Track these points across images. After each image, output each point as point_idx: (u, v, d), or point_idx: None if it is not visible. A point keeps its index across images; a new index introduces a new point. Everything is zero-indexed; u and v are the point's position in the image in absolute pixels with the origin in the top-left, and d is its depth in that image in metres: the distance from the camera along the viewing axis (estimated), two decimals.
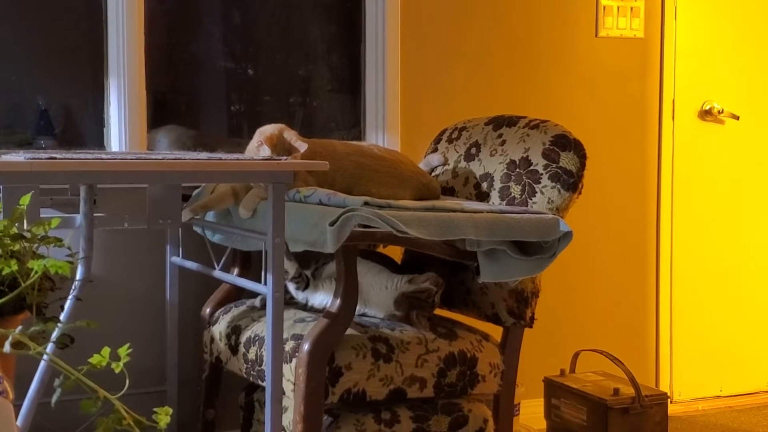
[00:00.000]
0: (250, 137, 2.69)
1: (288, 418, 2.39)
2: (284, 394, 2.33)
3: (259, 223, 2.42)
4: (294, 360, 2.34)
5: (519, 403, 3.21)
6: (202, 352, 2.90)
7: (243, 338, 2.62)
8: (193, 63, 3.38)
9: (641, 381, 3.25)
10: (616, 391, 3.09)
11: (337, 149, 2.71)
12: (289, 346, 2.38)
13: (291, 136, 2.57)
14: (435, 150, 3.10)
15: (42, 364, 2.46)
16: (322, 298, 2.61)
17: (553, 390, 3.29)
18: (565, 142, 2.64)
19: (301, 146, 2.54)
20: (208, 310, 2.90)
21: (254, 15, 3.41)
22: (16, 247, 1.71)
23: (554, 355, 3.50)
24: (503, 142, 2.80)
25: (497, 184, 2.75)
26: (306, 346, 2.31)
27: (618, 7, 3.74)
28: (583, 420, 3.13)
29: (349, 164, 2.68)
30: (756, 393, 4.13)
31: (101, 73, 3.10)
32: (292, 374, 2.34)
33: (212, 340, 2.81)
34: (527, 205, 2.63)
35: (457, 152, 2.97)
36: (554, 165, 2.62)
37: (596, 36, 3.73)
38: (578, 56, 3.70)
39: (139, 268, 3.04)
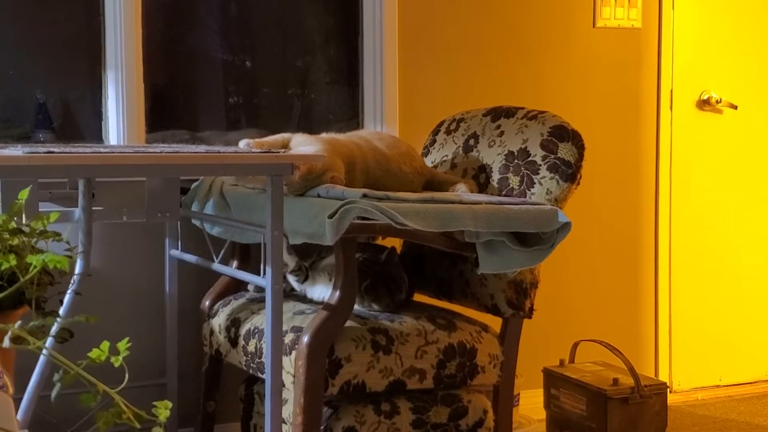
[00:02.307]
0: (248, 129, 2.70)
1: (288, 410, 2.39)
2: (284, 386, 2.34)
3: (258, 215, 2.42)
4: (294, 352, 2.34)
5: (518, 394, 3.22)
6: (201, 344, 2.90)
7: (242, 331, 2.62)
8: (191, 55, 3.37)
9: (640, 371, 3.26)
10: (616, 381, 3.10)
11: (358, 150, 2.70)
12: (288, 339, 2.38)
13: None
14: (434, 141, 3.10)
15: (41, 358, 2.46)
16: (320, 291, 2.61)
17: (553, 380, 3.30)
18: (563, 133, 2.64)
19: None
20: (207, 302, 2.91)
21: (252, 7, 3.41)
22: (15, 241, 1.71)
23: (553, 345, 3.50)
24: (501, 134, 2.80)
25: (495, 175, 2.75)
26: (305, 339, 2.31)
27: None
28: (583, 410, 3.14)
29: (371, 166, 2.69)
30: (755, 382, 4.14)
31: (99, 66, 3.10)
32: (291, 366, 2.34)
33: (212, 332, 2.81)
34: (526, 196, 2.63)
35: (456, 144, 2.97)
36: (552, 156, 2.62)
37: (594, 26, 3.73)
38: (576, 47, 3.70)
39: (138, 261, 3.04)
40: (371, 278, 2.55)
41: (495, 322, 2.66)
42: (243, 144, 2.57)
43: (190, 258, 2.80)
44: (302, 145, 2.58)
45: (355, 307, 2.45)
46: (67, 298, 2.48)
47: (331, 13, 3.56)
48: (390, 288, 2.61)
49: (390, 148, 2.74)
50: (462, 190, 2.70)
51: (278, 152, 2.35)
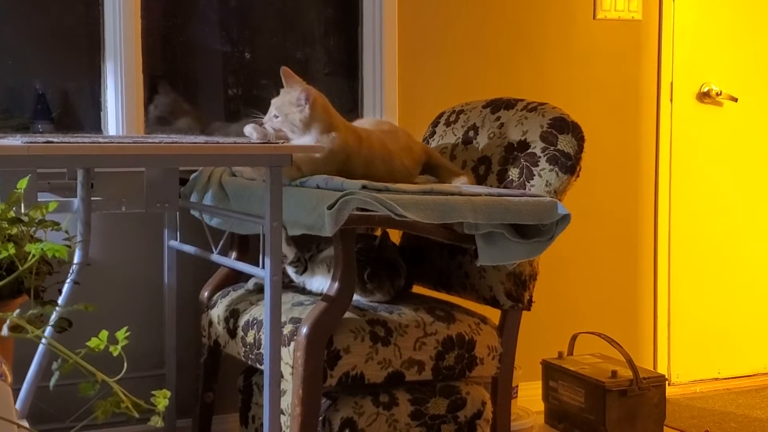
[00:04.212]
0: (247, 121, 2.70)
1: (286, 401, 2.39)
2: (283, 377, 2.34)
3: (257, 206, 2.42)
4: (292, 343, 2.34)
5: (517, 386, 3.22)
6: (200, 335, 2.90)
7: (241, 322, 2.62)
8: (190, 46, 3.37)
9: (639, 363, 3.26)
10: (614, 374, 3.10)
11: (380, 151, 2.69)
12: (287, 330, 2.38)
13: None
14: (433, 133, 3.09)
15: (40, 347, 2.46)
16: (319, 282, 2.61)
17: (551, 372, 3.30)
18: (563, 125, 2.64)
19: None
20: (206, 293, 2.90)
21: None
22: (14, 230, 1.71)
23: (552, 337, 3.50)
24: (501, 125, 2.80)
25: (495, 167, 2.74)
26: (304, 330, 2.31)
27: None
28: (581, 402, 3.14)
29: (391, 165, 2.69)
30: (754, 375, 4.14)
31: (98, 57, 3.09)
32: (290, 357, 2.34)
33: (210, 323, 2.81)
34: (525, 188, 2.63)
35: (455, 135, 2.96)
36: (552, 148, 2.62)
37: (594, 18, 3.72)
38: (576, 38, 3.70)
39: (137, 251, 3.04)
40: (371, 266, 2.55)
41: (494, 314, 2.66)
42: (248, 129, 2.58)
43: (189, 249, 2.80)
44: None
45: (355, 297, 2.45)
46: (65, 288, 2.48)
47: (331, 4, 3.56)
48: (390, 274, 2.61)
49: (392, 142, 2.73)
50: (462, 182, 2.69)
51: (277, 143, 2.35)
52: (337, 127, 2.57)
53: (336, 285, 2.35)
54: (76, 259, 2.55)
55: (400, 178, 2.65)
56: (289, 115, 2.55)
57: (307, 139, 2.55)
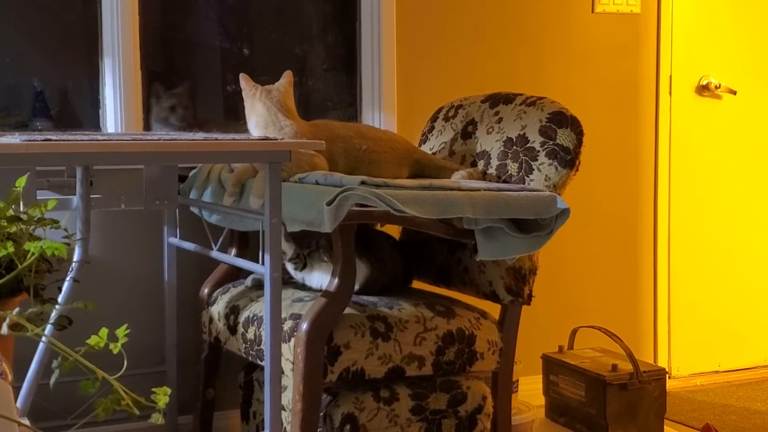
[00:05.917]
0: (245, 117, 2.71)
1: (287, 397, 2.40)
2: (283, 373, 2.34)
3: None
4: (293, 339, 2.34)
5: (517, 380, 3.22)
6: (200, 332, 2.91)
7: (241, 318, 2.62)
8: (188, 43, 3.36)
9: (639, 357, 3.26)
10: (615, 367, 3.10)
11: (339, 133, 2.71)
12: (287, 326, 2.38)
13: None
14: (432, 128, 3.09)
15: (41, 345, 2.46)
16: (319, 278, 2.61)
17: (552, 367, 3.30)
18: (561, 119, 2.64)
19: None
20: (206, 290, 2.91)
21: None
22: (13, 229, 1.71)
23: (552, 331, 3.50)
24: (500, 120, 2.80)
25: (494, 162, 2.74)
26: (304, 326, 2.31)
27: None
28: (582, 396, 3.14)
29: (351, 147, 2.69)
30: (754, 368, 4.15)
31: (96, 54, 3.09)
32: (290, 353, 2.34)
33: (211, 320, 2.81)
34: (524, 183, 2.63)
35: (454, 130, 2.96)
36: (551, 142, 2.61)
37: (592, 12, 3.72)
38: (575, 32, 3.69)
39: (137, 249, 3.04)
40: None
41: (494, 309, 2.66)
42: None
43: (189, 245, 2.80)
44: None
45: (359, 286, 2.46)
46: (65, 286, 2.48)
47: None
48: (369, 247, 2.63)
49: (369, 141, 2.77)
50: (460, 177, 2.69)
51: (276, 140, 2.34)
52: (295, 117, 2.68)
53: (336, 281, 2.35)
54: (75, 257, 2.55)
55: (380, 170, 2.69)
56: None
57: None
